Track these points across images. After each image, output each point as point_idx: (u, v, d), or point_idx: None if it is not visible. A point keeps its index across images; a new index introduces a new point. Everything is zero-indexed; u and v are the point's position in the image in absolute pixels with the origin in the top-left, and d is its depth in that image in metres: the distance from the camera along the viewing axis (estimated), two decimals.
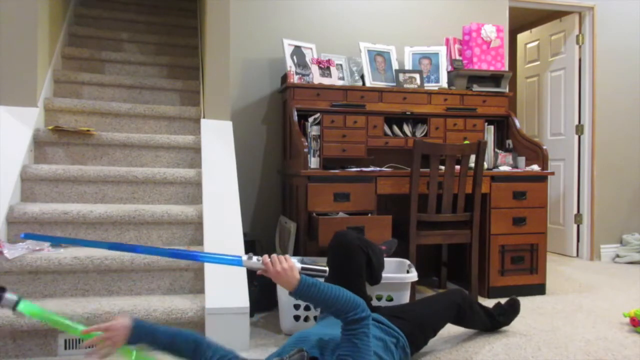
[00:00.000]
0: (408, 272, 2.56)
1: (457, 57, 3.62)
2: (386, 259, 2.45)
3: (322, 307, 1.51)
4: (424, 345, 2.15)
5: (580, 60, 4.46)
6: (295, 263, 1.55)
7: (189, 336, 1.55)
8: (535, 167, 3.30)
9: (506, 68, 3.76)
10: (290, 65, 3.29)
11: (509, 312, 2.54)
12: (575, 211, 4.47)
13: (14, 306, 1.47)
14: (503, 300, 2.61)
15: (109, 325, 1.45)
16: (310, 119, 3.12)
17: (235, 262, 1.58)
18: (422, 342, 2.09)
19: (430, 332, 2.13)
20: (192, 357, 1.53)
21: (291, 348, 1.51)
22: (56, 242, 1.58)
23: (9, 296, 1.46)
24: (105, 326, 1.45)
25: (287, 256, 1.55)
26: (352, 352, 1.45)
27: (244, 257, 1.57)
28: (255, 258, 1.56)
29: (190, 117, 3.19)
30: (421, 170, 2.86)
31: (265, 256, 1.55)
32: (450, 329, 2.47)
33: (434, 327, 2.15)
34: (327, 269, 1.63)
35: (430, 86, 3.54)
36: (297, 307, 2.44)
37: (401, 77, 3.45)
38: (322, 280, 1.57)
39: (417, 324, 2.03)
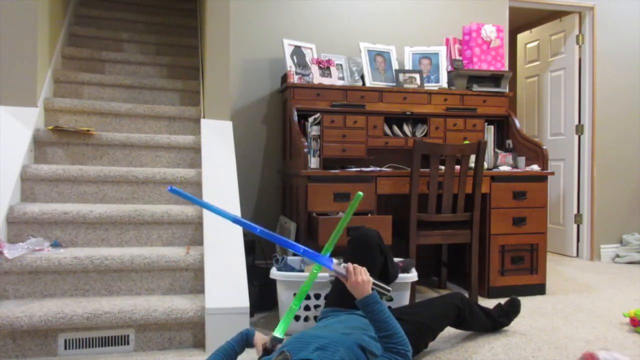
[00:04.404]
0: (408, 272, 2.56)
1: (457, 57, 3.62)
2: None
3: (375, 326, 1.62)
4: (424, 348, 2.15)
5: (580, 60, 4.46)
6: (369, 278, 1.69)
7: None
8: (535, 167, 3.30)
9: (506, 68, 3.76)
10: (290, 65, 3.29)
11: (510, 313, 2.54)
12: (575, 211, 4.47)
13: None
14: (503, 301, 2.61)
15: None
16: (310, 119, 3.12)
17: (327, 263, 1.73)
18: (421, 343, 2.09)
19: (429, 333, 2.13)
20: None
21: (289, 349, 1.52)
22: (195, 202, 1.69)
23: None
24: None
25: (365, 269, 1.70)
26: None
27: (335, 261, 1.73)
28: (342, 265, 1.72)
29: (190, 117, 3.19)
30: (421, 170, 2.86)
31: (350, 264, 1.71)
32: (450, 329, 2.46)
33: (433, 329, 2.14)
34: (390, 289, 1.81)
35: (430, 86, 3.54)
36: None
37: (401, 77, 3.45)
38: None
39: (416, 324, 2.02)
